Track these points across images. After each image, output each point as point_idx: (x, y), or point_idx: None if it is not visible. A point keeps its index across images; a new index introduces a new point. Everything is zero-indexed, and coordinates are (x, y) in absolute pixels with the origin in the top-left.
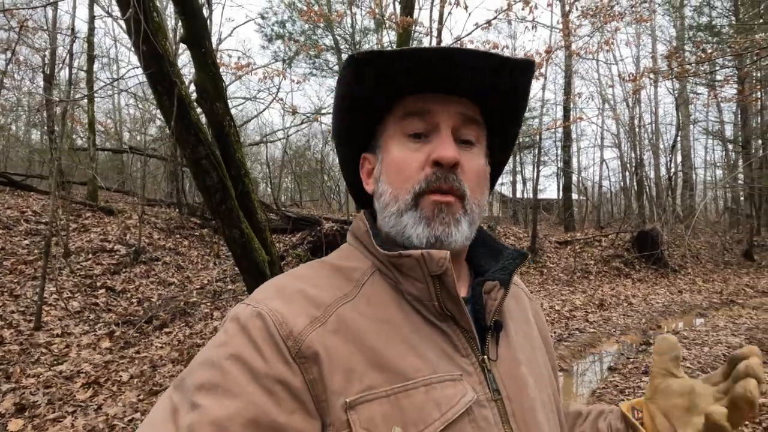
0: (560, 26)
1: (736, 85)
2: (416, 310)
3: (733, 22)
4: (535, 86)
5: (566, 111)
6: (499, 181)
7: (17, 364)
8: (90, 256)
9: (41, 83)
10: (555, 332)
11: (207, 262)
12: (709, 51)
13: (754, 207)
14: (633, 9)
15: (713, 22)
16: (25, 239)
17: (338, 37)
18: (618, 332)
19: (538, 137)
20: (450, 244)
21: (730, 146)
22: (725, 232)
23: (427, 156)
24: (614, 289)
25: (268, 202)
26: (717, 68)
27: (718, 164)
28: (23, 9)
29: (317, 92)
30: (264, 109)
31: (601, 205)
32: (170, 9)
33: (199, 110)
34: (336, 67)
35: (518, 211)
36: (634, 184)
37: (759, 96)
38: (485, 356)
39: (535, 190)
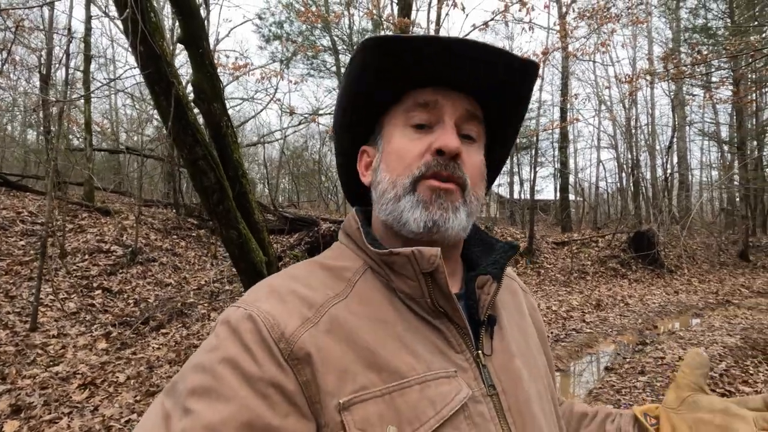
0: (557, 28)
1: (731, 87)
2: (409, 308)
3: (729, 25)
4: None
5: (563, 112)
6: (496, 182)
7: (13, 365)
8: (86, 256)
9: (37, 83)
10: (552, 332)
11: (204, 262)
12: (705, 53)
13: (749, 208)
14: (629, 11)
15: (709, 24)
16: (21, 240)
17: (336, 38)
18: (615, 332)
19: (535, 138)
20: (447, 230)
21: (726, 147)
22: (721, 232)
23: (429, 145)
24: (611, 290)
25: (265, 202)
26: (712, 70)
27: (713, 165)
28: (20, 9)
29: (315, 93)
30: (261, 110)
31: (597, 205)
32: (167, 9)
33: (196, 111)
34: (334, 68)
35: (515, 212)
36: (631, 185)
37: (754, 97)
38: (479, 351)
39: (532, 191)
